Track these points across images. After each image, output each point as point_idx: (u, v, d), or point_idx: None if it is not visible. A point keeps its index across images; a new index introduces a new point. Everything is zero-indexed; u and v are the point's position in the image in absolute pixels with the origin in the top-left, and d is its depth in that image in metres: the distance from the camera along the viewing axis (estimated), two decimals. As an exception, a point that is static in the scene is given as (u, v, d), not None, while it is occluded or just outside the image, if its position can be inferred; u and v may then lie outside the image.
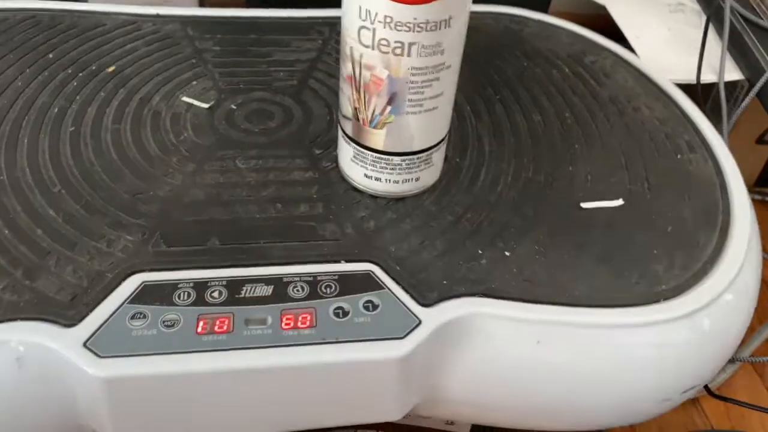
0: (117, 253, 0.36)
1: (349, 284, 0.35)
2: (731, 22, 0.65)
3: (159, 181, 0.40)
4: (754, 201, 0.93)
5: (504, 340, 0.34)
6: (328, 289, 0.34)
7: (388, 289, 0.35)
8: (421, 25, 0.32)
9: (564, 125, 0.47)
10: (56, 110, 0.45)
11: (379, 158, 0.38)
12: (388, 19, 0.32)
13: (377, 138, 0.37)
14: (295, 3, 0.60)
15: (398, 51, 0.33)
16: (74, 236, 0.36)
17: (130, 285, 0.34)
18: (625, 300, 0.35)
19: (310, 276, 0.35)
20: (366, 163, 0.38)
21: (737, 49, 0.65)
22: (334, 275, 0.35)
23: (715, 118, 0.58)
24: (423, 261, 0.37)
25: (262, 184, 0.41)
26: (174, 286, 0.34)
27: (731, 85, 0.67)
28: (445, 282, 0.35)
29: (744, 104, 0.62)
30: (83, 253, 0.36)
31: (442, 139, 0.39)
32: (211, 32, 0.54)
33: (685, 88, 0.53)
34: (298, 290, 0.34)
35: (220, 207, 0.39)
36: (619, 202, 0.41)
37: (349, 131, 0.38)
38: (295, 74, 0.50)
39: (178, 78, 0.49)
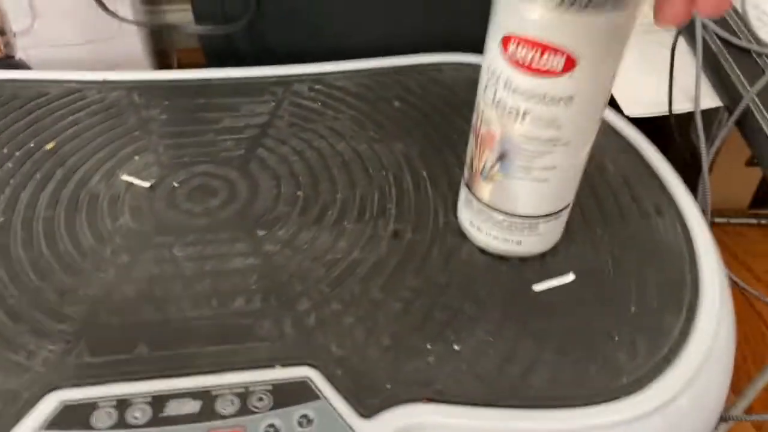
0: (36, 367, 0.33)
1: (284, 395, 0.32)
2: (705, 42, 0.60)
3: (90, 276, 0.38)
4: (748, 225, 0.90)
5: (451, 452, 0.31)
6: (260, 403, 0.32)
7: (325, 398, 0.32)
8: (537, 96, 0.32)
9: (524, 189, 0.45)
10: (-12, 198, 0.43)
11: (482, 209, 0.38)
12: (508, 83, 0.32)
13: (484, 189, 0.37)
14: (256, 60, 0.57)
15: (512, 115, 0.33)
16: (-7, 348, 0.34)
17: (48, 406, 0.32)
18: (584, 397, 0.33)
19: (241, 387, 0.33)
20: (472, 210, 0.39)
21: (713, 73, 0.61)
22: (268, 384, 0.33)
23: (698, 147, 0.54)
24: (367, 361, 0.34)
25: (198, 276, 0.38)
26: (93, 406, 0.32)
27: (708, 115, 0.63)
28: (388, 386, 0.33)
29: (722, 135, 0.58)
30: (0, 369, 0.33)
31: (555, 212, 0.38)
32: (158, 97, 0.52)
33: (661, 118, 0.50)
34: (227, 405, 0.32)
35: (152, 306, 0.37)
36: (570, 277, 0.39)
37: (466, 175, 0.39)
38: (243, 142, 0.48)
39: (120, 153, 0.47)
